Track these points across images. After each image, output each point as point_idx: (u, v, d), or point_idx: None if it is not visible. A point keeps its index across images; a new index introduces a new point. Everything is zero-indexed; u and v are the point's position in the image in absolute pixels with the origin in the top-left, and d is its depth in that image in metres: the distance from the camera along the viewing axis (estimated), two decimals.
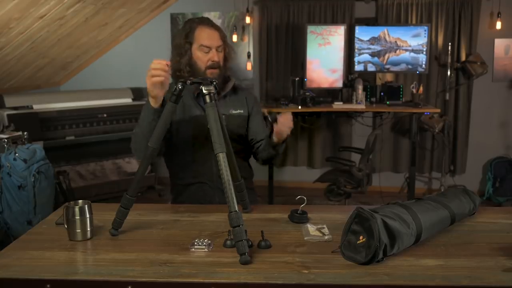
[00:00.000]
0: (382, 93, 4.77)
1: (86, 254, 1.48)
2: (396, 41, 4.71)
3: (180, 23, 5.35)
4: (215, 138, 1.48)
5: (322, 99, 4.77)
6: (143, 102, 5.54)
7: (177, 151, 2.14)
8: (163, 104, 1.79)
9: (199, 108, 2.06)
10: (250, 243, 1.47)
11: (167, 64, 1.67)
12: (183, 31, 2.06)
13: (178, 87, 1.60)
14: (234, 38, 5.21)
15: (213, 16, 5.28)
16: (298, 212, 1.73)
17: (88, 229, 1.58)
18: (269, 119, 1.90)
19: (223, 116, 1.97)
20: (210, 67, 2.02)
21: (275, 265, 1.36)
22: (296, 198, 1.71)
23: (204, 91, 1.55)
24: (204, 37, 2.02)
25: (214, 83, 1.60)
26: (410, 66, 4.72)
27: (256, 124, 2.18)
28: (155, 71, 1.67)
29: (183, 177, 2.14)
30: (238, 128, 2.13)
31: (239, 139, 2.14)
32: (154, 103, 1.80)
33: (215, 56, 2.01)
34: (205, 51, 2.02)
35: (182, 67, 2.02)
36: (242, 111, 2.14)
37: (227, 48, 2.08)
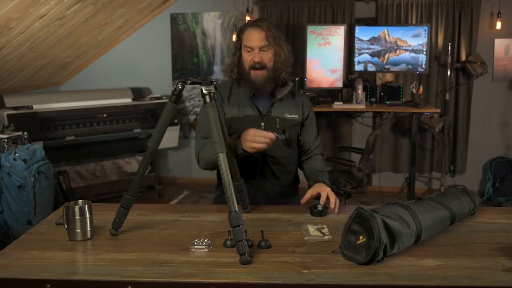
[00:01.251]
0: (382, 93, 4.77)
1: (86, 254, 1.48)
2: (396, 41, 4.71)
3: (180, 23, 5.35)
4: (215, 138, 1.49)
5: (322, 99, 4.77)
6: (143, 102, 5.50)
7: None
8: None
9: (254, 109, 2.07)
10: (250, 243, 1.47)
11: (271, 139, 1.80)
12: (237, 32, 2.12)
13: (178, 87, 1.60)
14: (234, 38, 5.21)
15: (213, 16, 5.28)
16: (319, 207, 1.82)
17: (88, 229, 1.58)
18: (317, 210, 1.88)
19: (277, 119, 2.06)
20: (252, 67, 2.02)
21: (275, 265, 1.36)
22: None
23: (204, 91, 1.55)
24: (248, 37, 2.03)
25: (214, 83, 1.60)
26: (410, 66, 4.72)
27: (308, 132, 2.20)
28: (261, 144, 1.79)
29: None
30: (291, 132, 2.12)
31: (291, 143, 2.13)
32: (240, 151, 1.87)
33: (256, 57, 2.01)
34: (248, 51, 2.03)
35: (232, 67, 2.08)
36: (296, 116, 2.13)
37: (276, 48, 2.05)
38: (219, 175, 2.21)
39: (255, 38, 2.02)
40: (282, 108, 2.10)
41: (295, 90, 2.24)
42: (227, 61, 2.20)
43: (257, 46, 2.01)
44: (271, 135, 1.79)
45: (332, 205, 1.84)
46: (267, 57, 2.03)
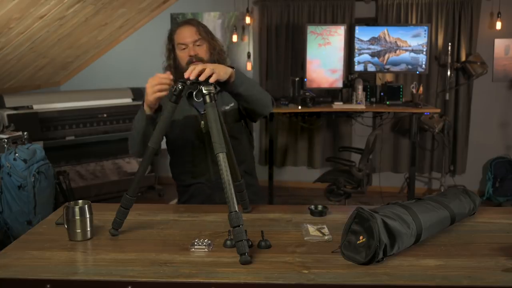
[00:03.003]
0: (382, 93, 4.77)
1: (86, 254, 1.48)
2: (396, 41, 4.71)
3: None
4: (215, 138, 1.48)
5: (322, 99, 4.77)
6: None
7: (174, 152, 2.15)
8: (156, 110, 1.83)
9: (191, 109, 2.03)
10: (250, 243, 1.47)
11: (171, 79, 1.70)
12: (168, 35, 2.11)
13: (178, 87, 1.60)
14: (234, 38, 5.21)
15: (213, 16, 5.28)
16: (319, 207, 1.81)
17: (88, 229, 1.58)
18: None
19: (202, 123, 2.00)
20: (189, 62, 2.00)
21: (275, 265, 1.36)
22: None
23: (204, 91, 1.54)
24: (180, 35, 2.04)
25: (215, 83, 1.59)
26: (410, 66, 4.72)
27: None
28: (162, 86, 1.68)
29: (183, 179, 2.15)
30: (234, 123, 2.08)
31: (238, 135, 2.09)
32: (149, 110, 1.82)
33: (191, 51, 2.01)
34: (182, 48, 2.03)
35: (169, 69, 2.07)
36: (233, 104, 2.08)
37: (210, 42, 2.05)
38: (174, 175, 2.19)
39: (187, 34, 2.03)
40: (219, 102, 2.00)
41: None
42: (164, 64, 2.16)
43: (190, 42, 2.02)
44: (167, 75, 1.71)
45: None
46: (203, 50, 2.03)
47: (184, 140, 2.08)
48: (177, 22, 2.19)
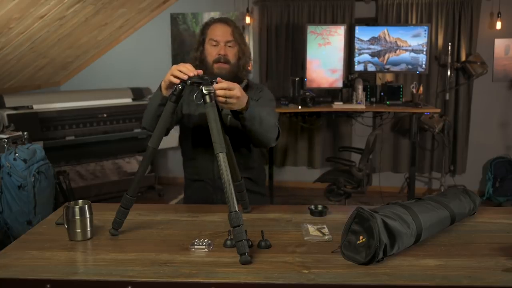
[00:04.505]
0: (382, 93, 4.77)
1: (86, 254, 1.48)
2: (396, 41, 4.71)
3: (180, 23, 5.35)
4: (215, 138, 1.48)
5: (322, 99, 4.77)
6: (143, 102, 5.50)
7: (183, 146, 2.15)
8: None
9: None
10: (250, 243, 1.47)
11: (197, 74, 1.62)
12: (201, 27, 2.09)
13: (178, 87, 1.60)
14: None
15: (213, 16, 5.28)
16: (319, 207, 1.81)
17: (88, 229, 1.58)
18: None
19: (228, 116, 1.97)
20: (217, 61, 2.00)
21: (275, 265, 1.36)
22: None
23: (204, 91, 1.55)
24: (215, 31, 2.02)
25: (215, 83, 1.59)
26: (410, 66, 4.72)
27: None
28: (179, 73, 1.62)
29: (189, 172, 2.16)
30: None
31: (245, 141, 2.04)
32: (165, 92, 1.77)
33: (222, 50, 2.00)
34: (213, 44, 2.01)
35: (194, 62, 2.04)
36: None
37: (241, 46, 2.04)
38: (183, 168, 2.19)
39: (221, 32, 2.01)
40: None
41: (253, 84, 2.17)
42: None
43: (223, 40, 2.00)
44: (192, 68, 1.62)
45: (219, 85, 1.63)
46: (232, 53, 2.02)
47: (194, 136, 2.08)
48: (212, 18, 2.16)
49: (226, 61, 2.01)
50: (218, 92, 1.60)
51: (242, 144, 2.05)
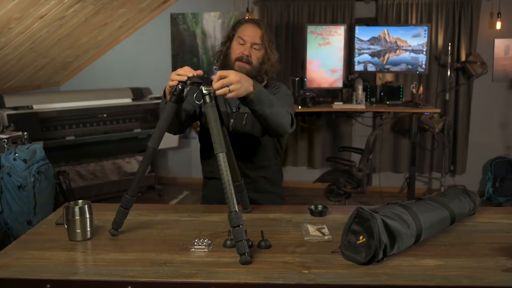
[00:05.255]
0: (382, 93, 4.77)
1: (86, 254, 1.48)
2: (396, 41, 4.71)
3: (180, 23, 5.35)
4: (215, 138, 1.49)
5: (322, 99, 4.77)
6: (143, 102, 5.50)
7: (201, 144, 2.16)
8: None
9: (225, 105, 2.04)
10: (250, 243, 1.47)
11: (196, 74, 1.61)
12: (233, 23, 2.10)
13: (178, 87, 1.60)
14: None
15: (213, 16, 5.28)
16: (319, 207, 1.81)
17: (88, 229, 1.58)
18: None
19: (245, 115, 2.00)
20: (239, 59, 2.00)
21: (275, 265, 1.36)
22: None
23: (204, 91, 1.55)
24: (245, 30, 2.03)
25: None
26: (410, 66, 4.72)
27: None
28: (177, 76, 1.62)
29: (205, 170, 2.16)
30: (258, 126, 2.01)
31: (261, 138, 2.06)
32: (168, 96, 1.77)
33: (247, 50, 2.00)
34: (240, 43, 2.02)
35: (219, 56, 2.06)
36: None
37: (268, 51, 2.04)
38: (202, 165, 2.19)
39: (251, 32, 2.02)
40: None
41: (272, 82, 2.16)
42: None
43: (250, 41, 2.01)
44: (189, 69, 1.61)
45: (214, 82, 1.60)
46: (256, 55, 2.02)
47: (207, 133, 2.06)
48: (243, 19, 2.16)
49: (248, 62, 2.01)
50: (215, 86, 1.55)
51: (255, 141, 2.05)
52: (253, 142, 2.06)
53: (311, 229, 1.62)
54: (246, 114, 2.02)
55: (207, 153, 2.13)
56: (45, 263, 1.40)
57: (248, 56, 2.00)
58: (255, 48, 2.02)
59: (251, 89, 1.65)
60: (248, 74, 1.95)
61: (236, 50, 2.02)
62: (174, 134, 2.06)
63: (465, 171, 5.16)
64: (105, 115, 4.66)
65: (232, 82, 1.56)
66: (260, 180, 2.11)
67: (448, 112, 5.01)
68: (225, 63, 2.04)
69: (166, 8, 5.33)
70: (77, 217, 1.55)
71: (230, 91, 1.57)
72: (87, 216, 1.57)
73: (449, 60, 4.84)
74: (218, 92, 1.55)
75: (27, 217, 3.14)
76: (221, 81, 1.56)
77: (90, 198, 1.88)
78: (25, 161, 3.13)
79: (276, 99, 1.90)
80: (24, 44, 3.91)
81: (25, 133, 3.46)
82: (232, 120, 2.04)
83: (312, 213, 1.81)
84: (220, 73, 1.58)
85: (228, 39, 2.07)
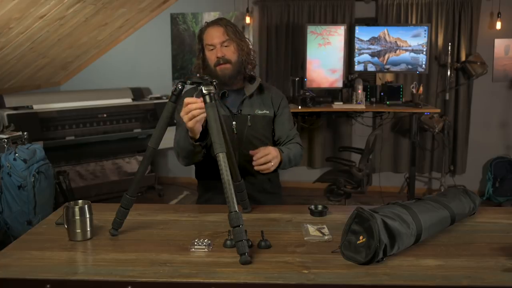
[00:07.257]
0: (382, 93, 4.77)
1: (86, 254, 1.48)
2: (396, 41, 4.71)
3: (180, 23, 5.35)
4: (215, 138, 1.49)
5: (322, 99, 4.76)
6: (143, 102, 5.49)
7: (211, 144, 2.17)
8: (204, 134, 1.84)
9: (224, 109, 2.06)
10: (250, 243, 1.47)
11: (201, 104, 1.63)
12: (198, 34, 2.12)
13: (178, 87, 1.60)
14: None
15: (213, 16, 5.28)
16: (319, 207, 1.82)
17: (88, 229, 1.58)
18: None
19: (248, 117, 2.05)
20: (217, 64, 2.02)
21: (275, 265, 1.36)
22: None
23: (204, 91, 1.55)
24: (208, 36, 2.04)
25: (214, 83, 1.59)
26: (410, 66, 4.72)
27: (282, 124, 2.15)
28: (196, 111, 1.63)
29: (210, 174, 2.15)
30: (264, 129, 2.11)
31: (265, 140, 2.11)
32: (196, 136, 1.79)
33: (219, 52, 2.01)
34: (210, 49, 2.03)
35: (198, 69, 2.08)
36: (267, 112, 2.11)
37: (238, 42, 2.05)
38: (201, 170, 2.21)
39: (214, 35, 2.03)
40: (252, 105, 2.09)
41: (266, 84, 2.21)
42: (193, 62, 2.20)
43: (218, 42, 2.02)
44: (194, 100, 1.64)
45: (255, 157, 1.88)
46: (230, 51, 2.03)
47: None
48: (203, 27, 2.18)
49: (226, 61, 2.02)
50: (259, 162, 1.86)
51: (260, 142, 2.07)
52: (258, 143, 2.07)
53: (311, 229, 1.62)
54: (249, 116, 2.06)
55: (207, 157, 2.13)
56: (45, 263, 1.40)
57: (223, 56, 2.02)
58: (225, 46, 2.03)
59: (280, 157, 1.95)
60: (232, 72, 2.04)
61: (211, 57, 2.04)
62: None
63: (465, 171, 5.16)
64: (105, 115, 4.66)
65: (274, 158, 1.89)
66: (265, 181, 2.15)
67: (448, 112, 5.01)
68: (207, 74, 2.04)
69: (166, 8, 5.32)
70: (77, 217, 1.55)
71: (273, 165, 1.89)
72: (87, 216, 1.57)
73: (449, 60, 4.84)
74: (261, 167, 1.88)
75: (27, 217, 3.15)
76: (266, 157, 1.87)
77: (90, 198, 1.88)
78: (25, 161, 3.13)
79: (288, 121, 2.16)
80: (24, 44, 3.91)
81: (25, 133, 3.46)
82: (234, 123, 2.06)
83: (312, 213, 1.81)
84: (260, 151, 1.91)
85: (200, 51, 2.09)
